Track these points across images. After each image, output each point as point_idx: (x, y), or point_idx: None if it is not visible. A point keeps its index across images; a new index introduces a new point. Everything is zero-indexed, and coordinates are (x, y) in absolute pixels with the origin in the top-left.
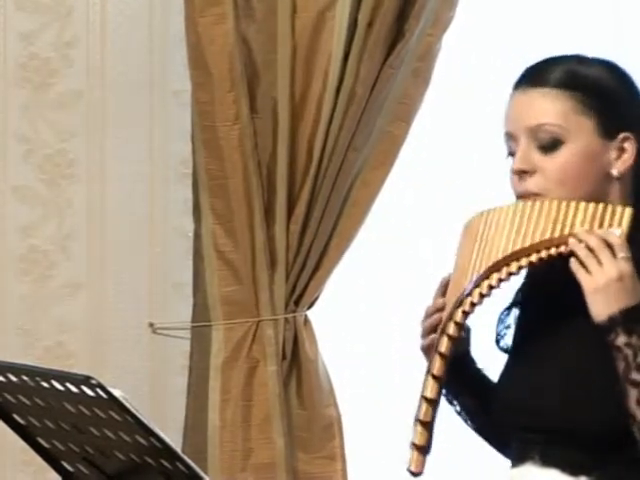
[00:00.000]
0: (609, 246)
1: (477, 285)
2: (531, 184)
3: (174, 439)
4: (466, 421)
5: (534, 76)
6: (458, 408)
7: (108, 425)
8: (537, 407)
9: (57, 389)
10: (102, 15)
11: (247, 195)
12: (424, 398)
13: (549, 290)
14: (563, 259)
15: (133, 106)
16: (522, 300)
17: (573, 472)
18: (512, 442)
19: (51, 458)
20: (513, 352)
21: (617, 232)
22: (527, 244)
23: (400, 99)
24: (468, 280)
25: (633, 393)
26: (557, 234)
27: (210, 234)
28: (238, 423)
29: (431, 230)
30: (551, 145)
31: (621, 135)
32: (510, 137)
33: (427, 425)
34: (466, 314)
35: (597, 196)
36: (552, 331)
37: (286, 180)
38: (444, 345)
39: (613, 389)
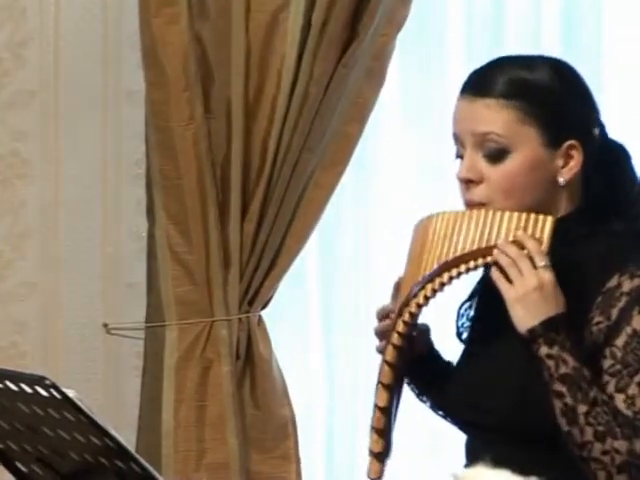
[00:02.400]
0: (529, 256)
1: (415, 295)
2: (477, 194)
3: (128, 439)
4: (437, 413)
5: (479, 84)
6: (429, 404)
7: (62, 425)
8: (487, 404)
9: (11, 389)
10: (56, 15)
11: (201, 195)
12: (376, 406)
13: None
14: None
15: (87, 106)
16: (480, 293)
17: (524, 472)
18: (466, 439)
19: (5, 459)
20: (467, 347)
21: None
22: (458, 254)
23: (354, 99)
24: (409, 288)
25: (557, 404)
26: (484, 244)
27: (164, 234)
28: (192, 423)
29: (383, 229)
30: (497, 155)
31: (567, 143)
32: (457, 140)
33: (381, 432)
34: (407, 324)
35: (544, 204)
36: (505, 329)
37: (240, 180)
38: (389, 354)
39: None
